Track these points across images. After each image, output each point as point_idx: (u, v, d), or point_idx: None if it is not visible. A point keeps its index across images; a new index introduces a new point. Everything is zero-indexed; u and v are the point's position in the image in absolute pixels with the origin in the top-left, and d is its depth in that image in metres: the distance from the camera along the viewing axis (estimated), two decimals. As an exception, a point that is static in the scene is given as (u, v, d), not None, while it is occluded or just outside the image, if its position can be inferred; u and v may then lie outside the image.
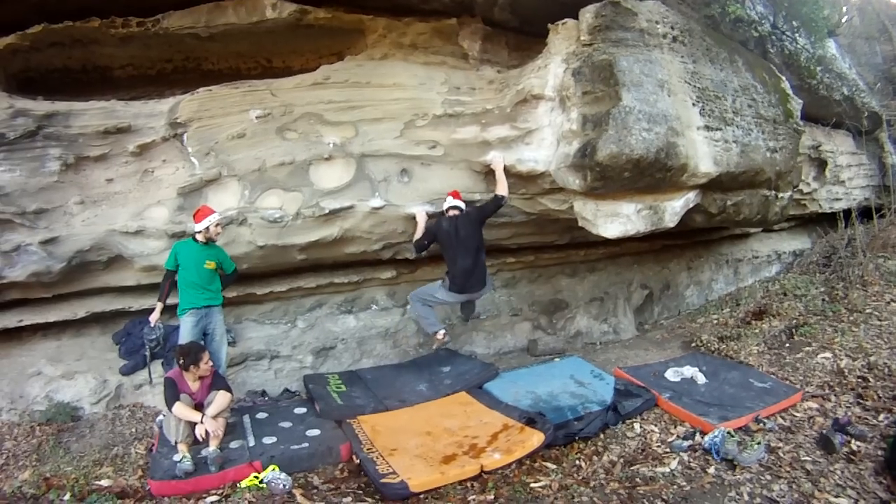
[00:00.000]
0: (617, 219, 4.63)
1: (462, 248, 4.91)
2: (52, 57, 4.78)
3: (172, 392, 3.95)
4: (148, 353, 4.73)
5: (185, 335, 4.49)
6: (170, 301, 4.66)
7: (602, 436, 4.12)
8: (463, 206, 4.95)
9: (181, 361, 4.04)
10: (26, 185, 4.41)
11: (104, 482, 3.86)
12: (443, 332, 5.16)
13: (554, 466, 3.80)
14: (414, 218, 5.07)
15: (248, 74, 5.13)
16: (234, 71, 5.19)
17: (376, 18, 4.87)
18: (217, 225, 4.53)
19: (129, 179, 4.74)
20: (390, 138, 4.93)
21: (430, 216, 5.10)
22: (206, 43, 4.86)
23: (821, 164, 8.83)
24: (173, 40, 4.79)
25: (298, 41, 5.03)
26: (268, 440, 4.09)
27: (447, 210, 4.94)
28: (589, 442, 4.05)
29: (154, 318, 4.60)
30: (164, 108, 4.64)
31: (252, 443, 4.07)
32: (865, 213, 9.46)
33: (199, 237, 4.52)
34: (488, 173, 5.11)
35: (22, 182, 4.39)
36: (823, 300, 6.35)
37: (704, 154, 4.69)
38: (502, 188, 4.88)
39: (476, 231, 4.98)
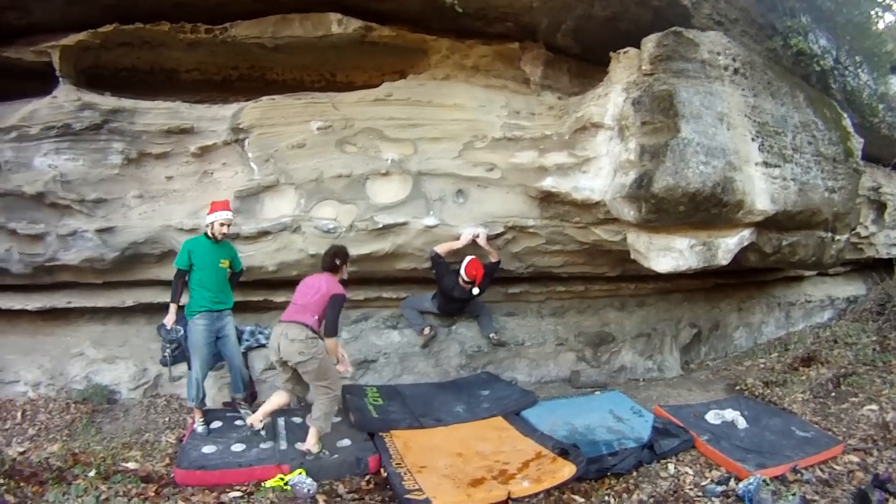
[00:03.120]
0: (670, 253, 4.71)
1: (455, 302, 5.66)
2: (121, 56, 5.11)
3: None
4: (168, 356, 4.62)
5: (199, 339, 4.41)
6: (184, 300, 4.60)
7: (635, 473, 4.16)
8: (476, 291, 5.39)
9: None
10: (88, 175, 4.76)
11: (131, 465, 4.11)
12: (428, 328, 5.72)
13: (582, 500, 3.86)
14: (472, 240, 5.28)
15: (312, 87, 5.41)
16: (298, 82, 5.46)
17: (440, 39, 5.10)
18: (223, 224, 4.44)
19: (188, 179, 5.04)
20: (448, 158, 5.14)
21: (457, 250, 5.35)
22: (271, 53, 5.12)
23: (880, 207, 8.74)
24: (239, 49, 5.06)
25: (362, 57, 5.29)
26: (299, 446, 4.21)
27: (462, 280, 5.38)
28: (621, 479, 4.09)
29: (170, 320, 4.48)
30: (228, 113, 4.92)
31: (283, 446, 4.26)
32: (924, 259, 9.31)
33: (209, 232, 4.47)
34: (543, 199, 5.26)
35: (84, 171, 4.75)
36: (874, 349, 6.27)
37: (761, 191, 4.73)
38: (493, 256, 5.46)
39: (473, 296, 5.55)
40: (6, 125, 4.65)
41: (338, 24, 4.80)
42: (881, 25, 7.92)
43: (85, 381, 5.15)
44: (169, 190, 5.03)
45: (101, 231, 4.80)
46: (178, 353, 4.64)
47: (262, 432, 4.28)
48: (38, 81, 4.85)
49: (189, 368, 4.54)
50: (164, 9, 4.65)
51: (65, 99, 4.69)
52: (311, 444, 4.14)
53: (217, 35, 4.84)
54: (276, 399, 4.27)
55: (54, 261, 4.83)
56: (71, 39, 4.68)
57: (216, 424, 4.56)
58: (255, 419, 4.23)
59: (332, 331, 4.17)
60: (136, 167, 4.93)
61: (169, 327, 4.49)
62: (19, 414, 4.75)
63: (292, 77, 5.51)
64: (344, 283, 4.43)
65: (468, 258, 5.33)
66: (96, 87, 4.93)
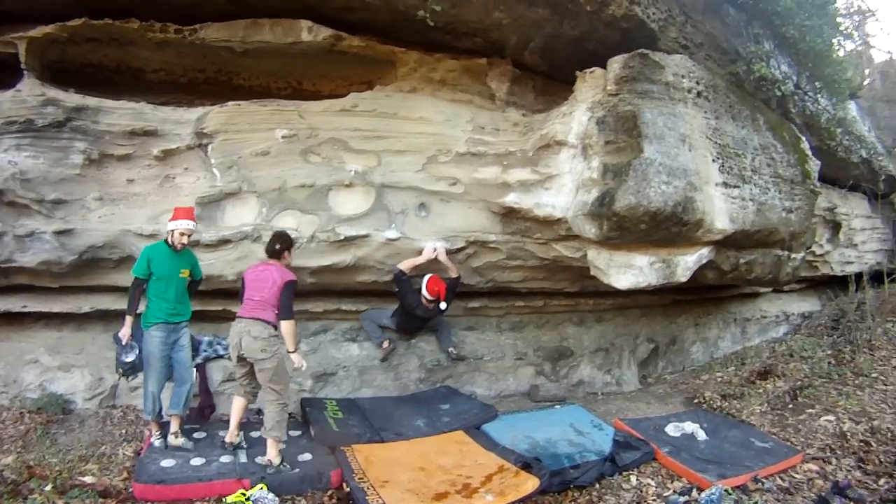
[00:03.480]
0: (630, 270, 4.82)
1: (416, 321, 5.67)
2: (88, 52, 4.98)
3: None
4: (120, 375, 4.50)
5: (153, 352, 4.24)
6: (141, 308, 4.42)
7: (598, 486, 4.22)
8: (443, 306, 5.40)
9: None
10: (48, 174, 4.62)
11: (88, 479, 3.98)
12: (387, 341, 5.75)
13: (547, 513, 3.90)
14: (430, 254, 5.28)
15: (278, 94, 5.35)
16: (264, 89, 5.40)
17: (408, 51, 5.10)
18: (182, 234, 4.30)
19: (150, 183, 4.95)
20: (412, 171, 5.16)
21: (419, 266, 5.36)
22: (239, 58, 5.06)
23: (835, 227, 9.11)
24: (208, 51, 4.99)
25: (330, 66, 5.27)
26: (260, 459, 4.19)
27: (425, 299, 5.39)
28: (584, 491, 4.14)
29: (125, 334, 4.24)
30: (193, 116, 4.85)
31: (244, 459, 4.21)
32: (877, 277, 9.71)
33: (168, 240, 4.32)
34: (505, 214, 5.32)
35: (44, 170, 4.61)
36: (829, 363, 6.53)
37: (721, 210, 4.88)
38: (453, 271, 5.47)
39: (436, 315, 5.62)
40: (-35, 117, 4.46)
41: (308, 32, 4.77)
42: (841, 53, 8.26)
43: (39, 389, 5.00)
44: (130, 193, 4.93)
45: (59, 233, 4.66)
46: (130, 373, 4.51)
47: (244, 444, 4.40)
48: (2, 73, 4.69)
49: (145, 381, 4.36)
50: (134, 5, 4.55)
51: (28, 93, 4.55)
52: (271, 455, 4.13)
53: (187, 36, 4.76)
54: (238, 407, 4.38)
55: (10, 262, 4.68)
56: (38, 31, 4.54)
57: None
58: (232, 436, 4.36)
59: (287, 314, 4.21)
60: (97, 168, 4.82)
61: (124, 342, 4.30)
62: (-28, 424, 4.58)
63: (259, 83, 5.45)
64: (304, 294, 4.43)
65: (427, 276, 5.37)
66: (61, 83, 4.80)
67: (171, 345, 4.35)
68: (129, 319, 4.26)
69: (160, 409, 4.32)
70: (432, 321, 5.85)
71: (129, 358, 4.35)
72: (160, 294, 4.29)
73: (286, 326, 4.20)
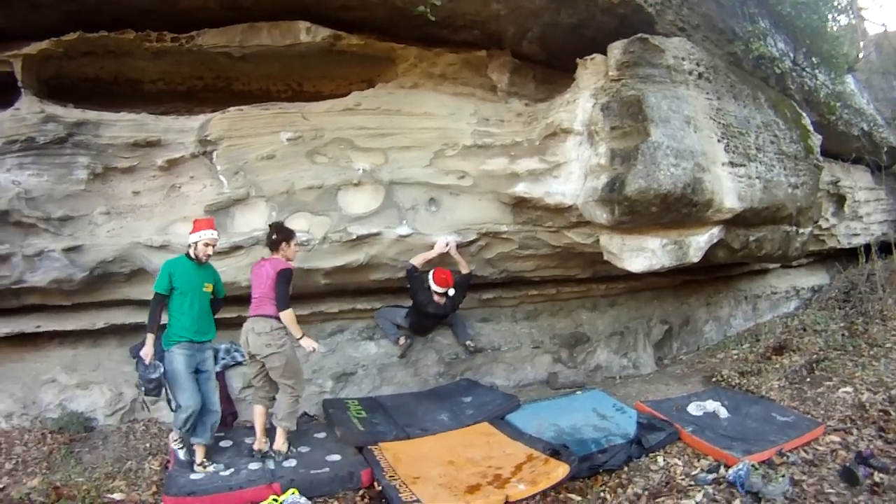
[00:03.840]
0: (642, 253, 4.87)
1: (429, 319, 5.65)
2: (85, 66, 4.97)
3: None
4: (142, 394, 4.21)
5: (180, 369, 4.06)
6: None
7: (626, 468, 4.27)
8: (451, 292, 5.39)
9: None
10: (53, 192, 4.61)
11: (116, 496, 3.99)
12: (403, 338, 5.77)
13: (579, 499, 3.95)
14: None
15: (278, 97, 5.36)
16: (264, 92, 5.41)
17: (407, 47, 5.12)
18: (207, 245, 4.18)
19: (156, 193, 4.94)
20: (419, 167, 5.19)
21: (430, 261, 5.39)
22: (237, 63, 5.07)
23: (839, 200, 9.17)
24: (206, 58, 4.98)
25: (329, 66, 5.28)
26: (287, 463, 4.25)
27: (435, 293, 5.39)
28: (613, 475, 4.19)
29: (148, 353, 4.00)
30: (195, 124, 4.85)
31: (272, 465, 4.24)
32: (884, 247, 9.77)
33: (191, 253, 4.19)
34: (516, 204, 5.37)
35: (49, 188, 4.59)
36: (843, 335, 6.59)
37: (729, 190, 4.93)
38: (464, 267, 5.49)
39: (449, 312, 5.64)
40: (-33, 139, 4.46)
41: (306, 33, 4.77)
42: (836, 28, 8.32)
43: (59, 408, 4.99)
44: (136, 205, 4.93)
45: (68, 250, 4.66)
46: (156, 392, 4.15)
47: (272, 452, 4.38)
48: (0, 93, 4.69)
49: (171, 408, 4.14)
50: (128, 16, 4.53)
51: (27, 111, 4.54)
52: (279, 444, 4.31)
53: (183, 43, 4.75)
54: (259, 413, 4.46)
55: (21, 283, 4.66)
56: (33, 48, 4.53)
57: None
58: (260, 443, 4.39)
59: (282, 304, 4.24)
60: (101, 182, 4.81)
61: (147, 362, 4.02)
62: (-6, 447, 4.59)
63: (258, 87, 5.46)
64: (319, 296, 4.44)
65: (432, 270, 5.40)
66: (59, 99, 4.79)
67: (197, 365, 4.18)
68: (150, 338, 4.05)
69: (195, 427, 4.10)
70: (446, 317, 5.87)
71: (154, 375, 4.06)
72: (183, 310, 4.14)
73: (285, 317, 4.24)
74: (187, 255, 4.26)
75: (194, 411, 4.05)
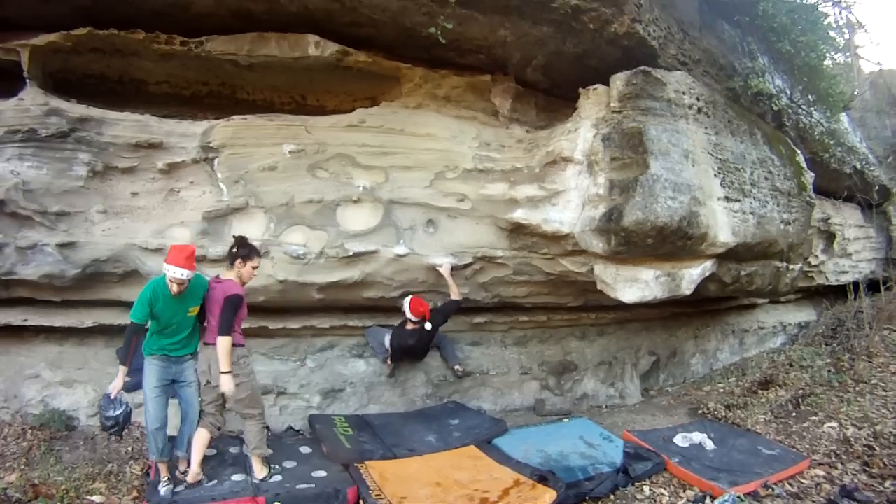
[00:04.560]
0: (636, 284, 5.00)
1: (414, 350, 5.71)
2: (91, 62, 5.05)
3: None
4: (104, 430, 4.11)
5: (152, 381, 3.95)
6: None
7: (612, 497, 4.35)
8: (428, 326, 5.46)
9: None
10: (51, 186, 4.66)
11: (96, 498, 4.01)
12: (391, 357, 5.76)
13: (565, 525, 4.02)
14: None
15: (282, 108, 5.46)
16: (268, 103, 5.51)
17: (413, 68, 5.25)
18: (171, 282, 3.86)
19: (154, 196, 4.99)
20: (419, 187, 5.30)
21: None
22: (243, 71, 5.18)
23: (829, 237, 9.40)
24: (212, 64, 5.09)
25: (334, 81, 5.41)
26: (273, 478, 4.24)
27: (411, 322, 5.47)
28: (599, 502, 4.28)
29: (115, 387, 3.87)
30: (198, 130, 4.90)
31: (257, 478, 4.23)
32: (872, 285, 10.02)
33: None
34: (513, 230, 5.48)
35: (48, 181, 4.64)
36: (829, 371, 6.74)
37: (724, 224, 5.09)
38: (455, 293, 5.50)
39: (430, 341, 5.72)
40: (-32, 125, 4.49)
41: (315, 47, 4.87)
42: (832, 66, 8.60)
43: (41, 405, 5.01)
44: (134, 206, 4.97)
45: (62, 246, 4.70)
46: (115, 431, 4.08)
47: (204, 480, 4.15)
48: (4, 81, 4.73)
49: (145, 417, 3.98)
50: (139, 17, 4.63)
51: (31, 102, 4.59)
52: (257, 470, 4.19)
53: (192, 48, 4.83)
54: (201, 441, 4.12)
55: (11, 275, 4.69)
56: (42, 40, 4.60)
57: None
58: (194, 475, 4.08)
59: (223, 330, 3.93)
60: (101, 180, 4.86)
61: (113, 396, 3.89)
62: (-28, 439, 4.58)
63: (262, 97, 5.56)
64: (311, 310, 4.36)
65: (408, 298, 5.46)
66: (63, 93, 4.85)
67: (173, 377, 4.06)
68: (121, 371, 3.90)
69: (164, 447, 3.98)
70: (434, 340, 5.87)
71: (115, 412, 3.94)
72: (164, 333, 4.00)
73: (219, 342, 3.92)
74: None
75: (155, 431, 3.93)
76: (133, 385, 4.14)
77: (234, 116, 4.99)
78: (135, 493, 4.12)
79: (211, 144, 4.87)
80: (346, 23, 4.77)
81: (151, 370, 3.98)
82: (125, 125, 4.81)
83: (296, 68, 5.14)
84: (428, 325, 5.45)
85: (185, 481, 4.08)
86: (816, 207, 7.55)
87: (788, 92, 7.55)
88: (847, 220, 10.02)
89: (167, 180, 5.00)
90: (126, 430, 4.01)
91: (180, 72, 5.25)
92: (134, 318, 3.91)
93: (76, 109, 4.69)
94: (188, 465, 4.15)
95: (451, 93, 5.49)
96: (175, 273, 3.84)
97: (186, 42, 4.81)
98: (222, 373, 3.92)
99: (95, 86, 5.19)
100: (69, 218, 4.77)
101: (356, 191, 5.14)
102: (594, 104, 5.14)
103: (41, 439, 4.68)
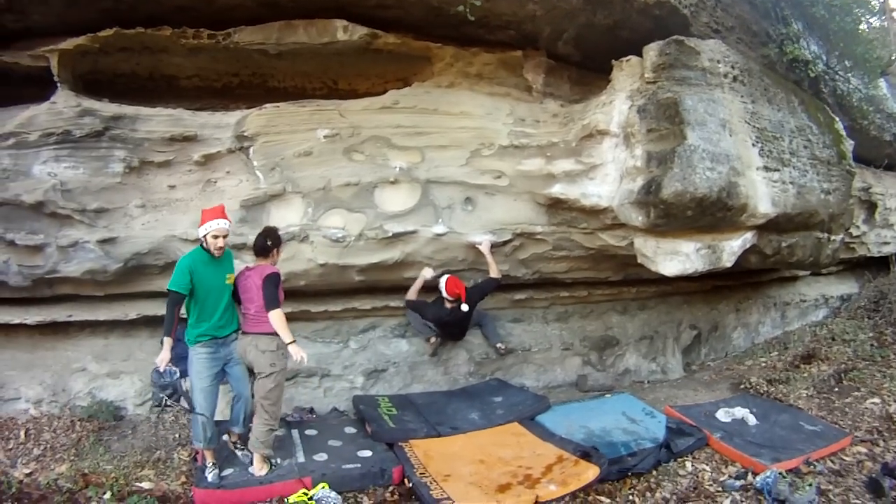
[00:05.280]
0: (676, 257, 5.02)
1: (452, 327, 5.76)
2: (121, 61, 5.18)
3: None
4: (161, 404, 3.98)
5: (202, 370, 3.99)
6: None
7: (655, 472, 4.41)
8: (465, 307, 5.50)
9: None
10: (89, 184, 4.81)
11: (145, 484, 4.14)
12: (434, 336, 5.86)
13: (608, 501, 4.10)
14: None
15: (313, 94, 5.56)
16: (300, 90, 5.61)
17: (444, 47, 5.31)
18: (216, 237, 3.96)
19: (192, 188, 5.13)
20: (456, 166, 5.37)
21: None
22: (273, 60, 5.27)
23: (871, 207, 9.24)
24: (242, 55, 5.18)
25: (365, 64, 5.49)
26: (318, 457, 4.38)
27: (447, 301, 5.51)
28: (641, 478, 4.34)
29: (163, 359, 3.84)
30: (231, 120, 5.02)
31: (302, 459, 4.37)
32: (915, 257, 9.85)
33: (204, 246, 4.01)
34: (551, 205, 5.54)
35: (85, 180, 4.80)
36: (872, 345, 6.71)
37: (763, 194, 5.07)
38: (494, 271, 5.54)
39: (467, 320, 5.74)
40: (4, 132, 4.66)
41: (343, 31, 4.93)
42: (864, 27, 8.42)
43: (89, 397, 5.21)
44: (172, 199, 5.11)
45: (102, 242, 4.85)
46: (174, 399, 3.96)
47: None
48: (35, 87, 4.90)
49: (191, 409, 3.98)
50: (164, 13, 4.72)
51: (64, 105, 4.75)
52: (257, 468, 4.14)
53: (220, 41, 4.91)
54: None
55: (54, 273, 4.88)
56: (69, 44, 4.73)
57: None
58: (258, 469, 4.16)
59: (272, 304, 4.01)
60: (137, 176, 5.00)
61: (162, 369, 3.85)
62: (22, 433, 4.76)
63: (294, 84, 5.65)
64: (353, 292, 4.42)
65: (445, 276, 5.53)
66: (94, 94, 4.99)
67: (223, 360, 4.11)
68: (167, 342, 3.87)
69: (212, 435, 4.02)
70: (474, 318, 5.95)
71: (168, 380, 3.89)
72: (205, 308, 4.03)
73: (273, 316, 3.99)
74: (202, 246, 4.07)
75: (205, 421, 3.95)
76: (178, 356, 4.08)
77: (267, 105, 5.08)
78: (183, 479, 4.26)
79: (245, 134, 4.97)
80: (373, 5, 4.83)
81: (200, 361, 4.00)
82: (159, 120, 4.94)
83: (325, 53, 5.22)
84: (465, 307, 5.52)
85: (243, 461, 4.22)
86: (857, 176, 7.42)
87: (824, 58, 7.43)
88: (888, 189, 9.81)
89: (204, 171, 5.13)
90: (181, 398, 3.95)
91: (210, 64, 5.35)
92: (173, 287, 3.91)
93: (109, 108, 4.82)
94: (239, 437, 4.36)
95: (483, 70, 5.54)
96: (217, 225, 3.96)
97: (214, 35, 4.90)
98: (288, 343, 3.99)
99: (126, 84, 5.33)
100: (108, 214, 4.92)
101: (393, 172, 5.23)
102: (628, 76, 5.15)
103: (90, 430, 4.84)
